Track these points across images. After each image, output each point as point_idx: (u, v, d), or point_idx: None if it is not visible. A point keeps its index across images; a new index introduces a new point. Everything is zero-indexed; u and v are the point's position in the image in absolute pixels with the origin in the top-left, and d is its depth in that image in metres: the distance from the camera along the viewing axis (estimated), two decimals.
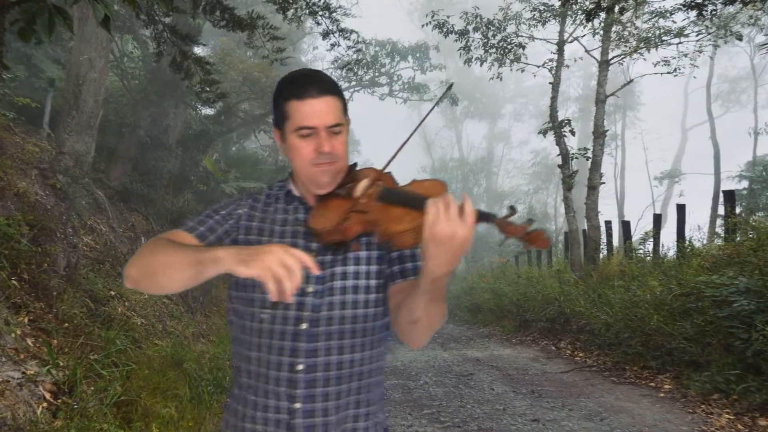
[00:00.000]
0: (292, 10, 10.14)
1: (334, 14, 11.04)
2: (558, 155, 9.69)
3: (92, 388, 3.51)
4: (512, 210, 0.89)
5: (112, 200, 8.43)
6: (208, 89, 9.38)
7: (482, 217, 0.88)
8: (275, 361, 1.04)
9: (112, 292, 6.06)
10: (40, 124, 7.73)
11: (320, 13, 10.99)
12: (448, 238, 0.85)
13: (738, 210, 6.79)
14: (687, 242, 6.55)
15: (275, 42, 10.54)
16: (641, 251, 7.33)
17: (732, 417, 3.97)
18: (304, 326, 1.04)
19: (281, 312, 1.04)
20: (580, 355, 6.20)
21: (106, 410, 3.33)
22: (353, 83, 14.17)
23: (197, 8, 9.16)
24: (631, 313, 5.88)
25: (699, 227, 6.74)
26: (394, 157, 1.05)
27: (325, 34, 11.67)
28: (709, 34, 7.92)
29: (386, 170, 1.08)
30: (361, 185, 1.04)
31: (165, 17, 8.70)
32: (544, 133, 10.31)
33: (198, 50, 12.26)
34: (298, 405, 1.03)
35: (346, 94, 16.70)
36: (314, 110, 1.03)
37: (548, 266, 10.24)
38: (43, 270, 4.70)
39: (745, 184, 13.50)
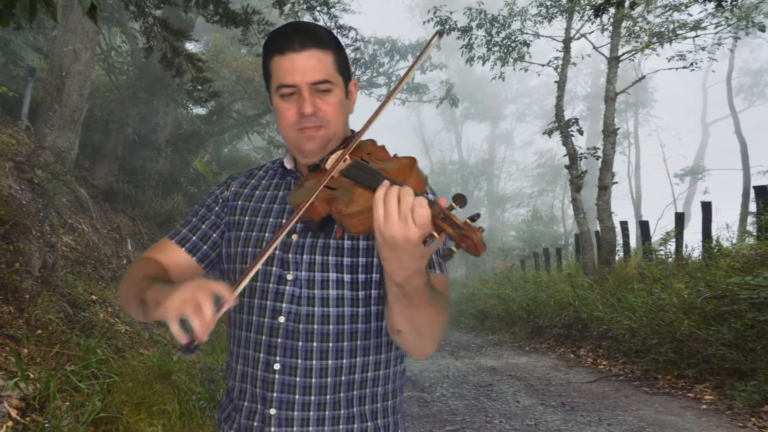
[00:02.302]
0: (289, 5, 9.77)
1: (332, 9, 10.71)
2: (565, 155, 9.36)
3: (67, 403, 3.19)
4: (459, 200, 0.69)
5: (96, 200, 7.92)
6: (199, 87, 8.93)
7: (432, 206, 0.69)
8: (251, 356, 0.95)
9: (94, 297, 5.57)
10: (18, 116, 7.22)
11: (318, 8, 10.64)
12: (403, 241, 0.69)
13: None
14: (714, 242, 6.18)
15: None
16: (662, 252, 6.96)
17: None
18: (281, 320, 0.94)
19: (257, 301, 0.95)
20: (604, 363, 5.77)
21: (82, 429, 2.98)
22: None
23: (190, 1, 8.74)
24: (658, 318, 5.47)
25: (727, 226, 6.37)
26: (371, 121, 0.87)
27: None
28: (729, 25, 7.66)
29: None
30: (333, 156, 0.91)
31: (156, 9, 8.26)
32: (549, 133, 9.99)
33: (190, 46, 11.86)
34: (272, 411, 0.93)
35: None
36: (295, 65, 0.91)
37: (558, 270, 9.83)
38: (14, 270, 4.22)
39: None
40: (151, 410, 3.82)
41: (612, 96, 8.59)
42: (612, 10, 8.01)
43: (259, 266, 0.82)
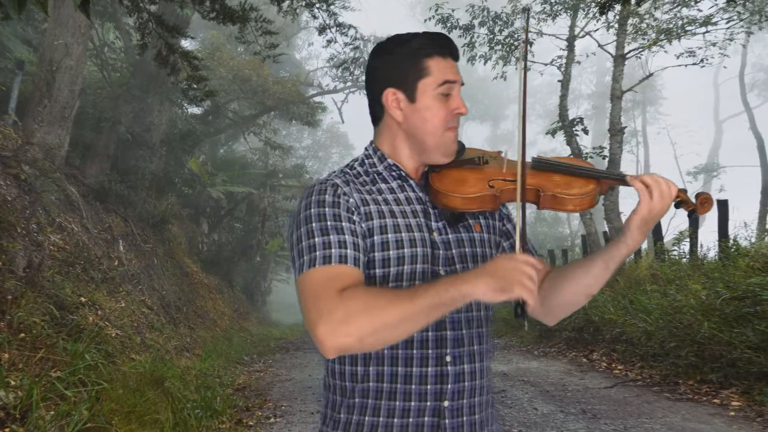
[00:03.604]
0: (287, 2, 9.56)
1: (332, 6, 10.50)
2: (570, 155, 9.16)
3: (52, 412, 2.97)
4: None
5: (86, 199, 7.62)
6: (195, 86, 8.66)
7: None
8: (417, 355, 0.95)
9: (83, 299, 5.29)
10: (5, 110, 6.93)
11: (317, 5, 10.43)
12: (661, 213, 0.93)
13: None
14: (731, 241, 5.97)
15: (268, 37, 9.85)
16: (675, 253, 6.74)
17: None
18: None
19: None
20: (619, 367, 5.52)
21: None
22: (348, 84, 13.58)
23: None
24: (675, 320, 5.24)
25: (745, 224, 6.16)
26: (523, 132, 1.03)
27: (322, 29, 11.09)
28: (741, 20, 7.51)
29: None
30: (506, 154, 1.07)
31: (150, 5, 8.01)
32: (553, 133, 9.81)
33: (185, 43, 11.64)
34: (446, 403, 0.95)
35: (341, 96, 16.11)
36: (454, 69, 1.02)
37: None
38: None
39: None
40: (142, 420, 3.62)
41: (618, 94, 8.42)
42: (618, 7, 7.85)
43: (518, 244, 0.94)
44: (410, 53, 0.99)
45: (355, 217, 0.97)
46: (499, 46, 10.27)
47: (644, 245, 8.38)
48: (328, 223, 0.95)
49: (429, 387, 0.94)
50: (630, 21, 8.39)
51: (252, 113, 13.45)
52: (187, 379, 5.18)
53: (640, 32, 8.33)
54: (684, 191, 0.95)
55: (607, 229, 7.96)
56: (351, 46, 12.09)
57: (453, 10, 9.94)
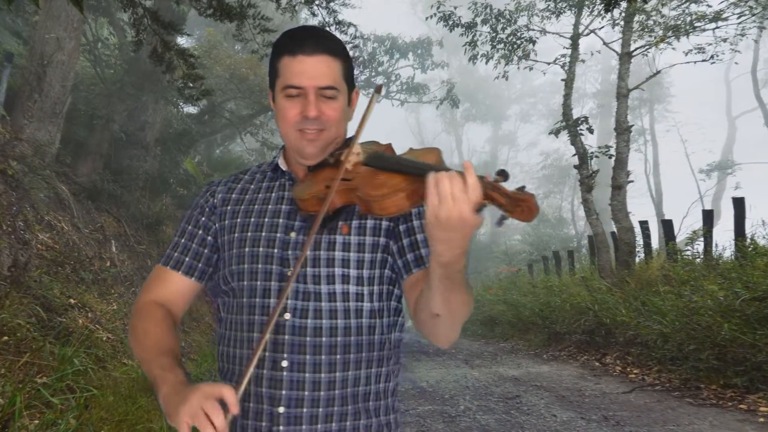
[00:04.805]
0: None
1: (332, 3, 10.33)
2: (574, 155, 8.98)
3: (36, 421, 2.82)
4: (503, 174, 0.75)
5: (78, 197, 7.36)
6: (191, 85, 8.43)
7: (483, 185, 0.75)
8: (250, 356, 0.90)
9: (72, 300, 5.04)
10: None
11: (317, 2, 10.26)
12: (457, 220, 0.73)
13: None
14: (748, 240, 5.78)
15: (266, 35, 9.66)
16: (688, 253, 6.54)
17: None
18: (287, 316, 0.94)
19: (258, 300, 0.95)
20: (635, 371, 5.31)
21: None
22: None
23: None
24: (692, 322, 5.04)
25: (763, 222, 5.95)
26: (364, 121, 0.94)
27: (321, 28, 10.98)
28: (753, 15, 7.37)
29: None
30: (348, 149, 0.94)
31: (146, 0, 7.80)
32: (556, 133, 9.64)
33: (181, 41, 11.42)
34: (281, 409, 0.93)
35: None
36: (305, 68, 0.94)
37: (570, 273, 9.37)
38: None
39: None
40: (134, 429, 3.44)
41: (624, 93, 8.25)
42: (624, 4, 7.70)
43: (266, 338, 0.86)
44: (273, 53, 0.99)
45: (204, 219, 1.04)
46: (502, 45, 10.10)
47: (655, 245, 8.20)
48: (188, 227, 1.05)
49: (264, 390, 0.93)
50: (636, 18, 8.24)
51: (249, 113, 13.23)
52: None
53: (646, 29, 8.18)
54: (503, 191, 0.72)
55: (615, 230, 7.77)
56: (350, 45, 11.94)
57: (455, 8, 9.77)
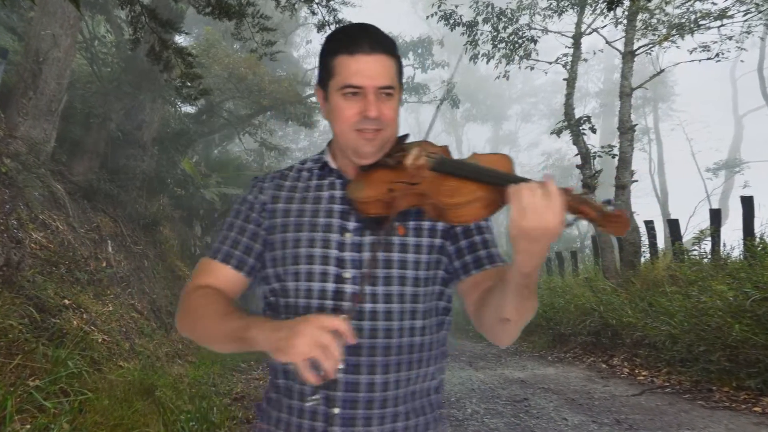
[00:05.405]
0: None
1: (331, 2, 10.25)
2: (576, 155, 8.90)
3: (28, 425, 2.74)
4: (587, 188, 0.43)
5: (73, 197, 7.23)
6: (189, 84, 8.32)
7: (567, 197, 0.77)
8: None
9: (66, 301, 4.92)
10: None
11: (317, 0, 10.17)
12: (542, 231, 0.76)
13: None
14: (758, 239, 5.70)
15: (265, 34, 9.55)
16: (695, 252, 6.45)
17: None
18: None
19: (315, 302, 0.95)
20: (644, 373, 5.20)
21: None
22: None
23: None
24: (702, 323, 4.94)
25: None
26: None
27: (321, 26, 10.81)
28: (759, 12, 7.31)
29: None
30: (413, 153, 0.95)
31: None
32: (558, 132, 9.56)
33: (179, 39, 11.30)
34: (336, 410, 0.93)
35: None
36: (364, 68, 0.94)
37: (573, 274, 9.26)
38: None
39: None
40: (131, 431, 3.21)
41: (628, 92, 8.17)
42: (626, 3, 7.63)
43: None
44: (326, 51, 0.98)
45: (255, 215, 1.03)
46: (503, 44, 10.03)
47: (661, 245, 8.10)
48: (237, 221, 1.04)
49: (320, 390, 0.93)
50: (640, 16, 8.17)
51: (247, 113, 13.14)
52: (180, 388, 4.80)
53: (650, 28, 8.12)
54: (593, 204, 0.76)
55: None
56: None
57: (456, 7, 9.69)
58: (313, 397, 0.92)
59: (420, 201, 0.90)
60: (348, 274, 0.94)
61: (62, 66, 7.57)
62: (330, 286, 0.94)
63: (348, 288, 0.94)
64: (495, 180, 0.83)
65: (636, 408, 4.09)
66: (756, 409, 3.94)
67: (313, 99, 14.52)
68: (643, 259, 7.27)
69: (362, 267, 0.94)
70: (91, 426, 3.03)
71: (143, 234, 9.05)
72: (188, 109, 11.85)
